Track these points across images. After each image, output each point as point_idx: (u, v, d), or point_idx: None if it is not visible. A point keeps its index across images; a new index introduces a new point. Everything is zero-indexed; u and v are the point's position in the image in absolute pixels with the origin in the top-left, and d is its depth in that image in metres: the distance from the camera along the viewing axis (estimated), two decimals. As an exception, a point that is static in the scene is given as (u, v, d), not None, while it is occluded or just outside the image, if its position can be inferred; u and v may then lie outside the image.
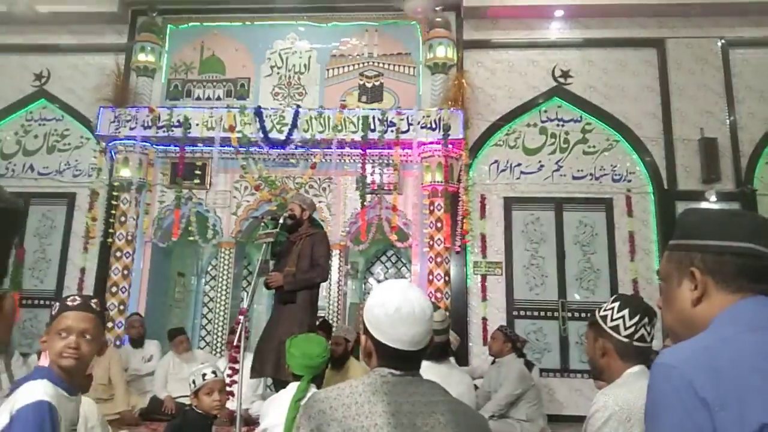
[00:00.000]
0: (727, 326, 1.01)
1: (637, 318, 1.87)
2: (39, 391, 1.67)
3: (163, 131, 6.81)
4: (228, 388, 3.81)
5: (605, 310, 1.94)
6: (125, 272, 6.70)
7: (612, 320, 1.90)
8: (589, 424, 1.82)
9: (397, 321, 1.47)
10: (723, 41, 7.10)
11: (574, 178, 6.95)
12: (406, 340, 1.48)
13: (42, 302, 7.11)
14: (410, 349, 1.49)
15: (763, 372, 0.91)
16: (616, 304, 1.92)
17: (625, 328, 1.87)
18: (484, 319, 6.60)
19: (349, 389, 1.46)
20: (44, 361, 1.85)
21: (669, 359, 0.98)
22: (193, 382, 2.92)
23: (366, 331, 1.54)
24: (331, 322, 6.23)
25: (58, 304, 1.87)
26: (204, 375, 2.92)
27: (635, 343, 1.86)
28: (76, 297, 1.88)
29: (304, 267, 4.65)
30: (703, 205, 6.44)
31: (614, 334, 1.88)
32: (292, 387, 2.85)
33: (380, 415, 1.39)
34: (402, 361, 1.49)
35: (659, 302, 1.24)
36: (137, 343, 6.08)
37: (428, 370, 2.01)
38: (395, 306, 1.48)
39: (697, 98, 6.98)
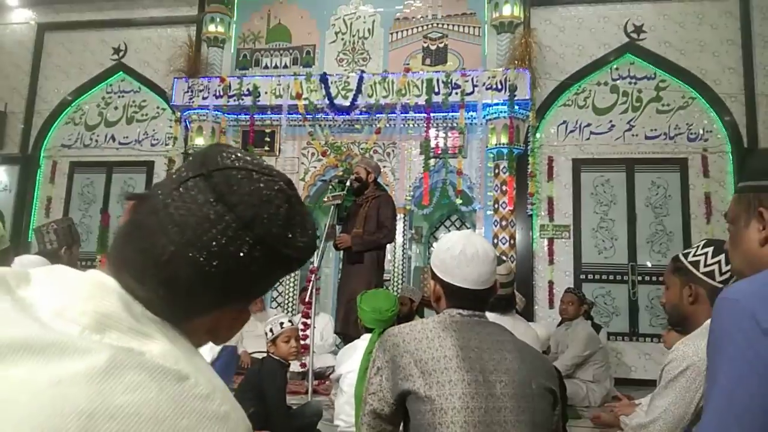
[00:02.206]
0: None
1: None
2: None
3: (234, 100, 7.02)
4: (302, 342, 4.03)
5: (695, 255, 1.86)
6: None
7: (705, 266, 1.82)
8: (665, 371, 1.79)
9: (462, 262, 1.56)
10: (815, -13, 6.59)
11: (647, 138, 6.70)
12: (472, 279, 1.56)
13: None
14: (476, 288, 1.57)
15: None
16: (710, 249, 1.84)
17: (721, 274, 1.80)
18: (551, 283, 6.56)
19: (421, 326, 1.56)
20: None
21: (732, 294, 0.99)
22: (270, 330, 3.12)
23: (434, 276, 1.63)
24: (396, 283, 6.36)
25: None
26: (282, 324, 3.12)
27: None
28: None
29: (371, 229, 4.78)
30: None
31: (708, 280, 1.81)
32: (366, 338, 2.98)
33: (449, 348, 1.47)
34: (469, 301, 1.58)
35: (726, 245, 1.24)
36: None
37: (494, 321, 2.07)
38: (460, 248, 1.58)
39: (784, 50, 6.54)
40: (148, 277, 0.65)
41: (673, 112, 6.71)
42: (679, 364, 1.72)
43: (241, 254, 0.66)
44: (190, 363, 0.60)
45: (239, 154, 0.71)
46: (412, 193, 6.82)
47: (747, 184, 1.15)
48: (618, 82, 6.87)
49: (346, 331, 4.46)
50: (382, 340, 1.57)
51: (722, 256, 1.81)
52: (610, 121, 6.80)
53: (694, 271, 1.85)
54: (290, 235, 0.69)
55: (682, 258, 1.91)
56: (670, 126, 6.68)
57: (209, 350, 1.94)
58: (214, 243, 0.64)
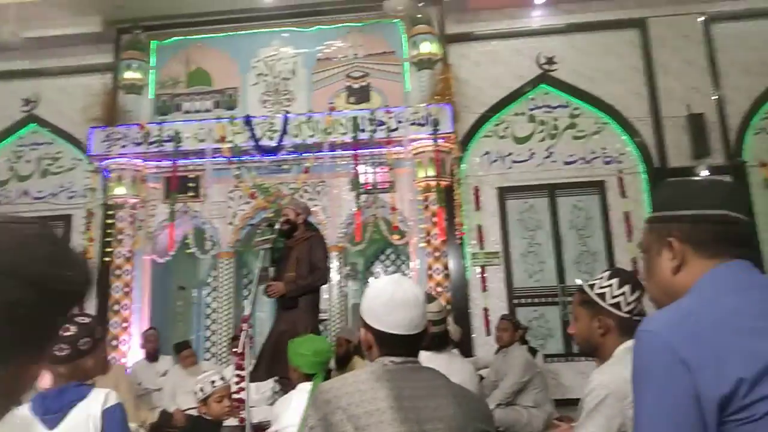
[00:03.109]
0: (705, 291, 1.05)
1: (638, 293, 1.81)
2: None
3: (155, 147, 6.84)
4: (236, 395, 3.86)
5: (601, 287, 1.85)
6: (126, 290, 6.73)
7: (612, 297, 1.82)
8: (586, 402, 1.78)
9: (392, 307, 1.54)
10: (704, 16, 7.13)
11: (566, 163, 6.99)
12: (404, 325, 1.54)
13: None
14: (408, 333, 1.55)
15: (739, 331, 0.95)
16: (615, 281, 1.84)
17: (627, 304, 1.81)
18: (486, 310, 6.64)
19: (353, 378, 1.52)
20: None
21: (650, 325, 1.02)
22: (201, 390, 2.96)
23: (365, 325, 1.60)
24: (334, 323, 6.27)
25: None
26: (213, 382, 2.96)
27: (635, 318, 1.78)
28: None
29: (303, 271, 4.70)
30: (695, 180, 6.47)
31: (616, 311, 1.81)
32: (303, 388, 2.87)
33: (383, 399, 1.44)
34: (401, 347, 1.55)
35: (642, 274, 1.28)
36: (152, 357, 6.13)
37: (429, 360, 2.05)
38: (389, 294, 1.56)
39: (682, 75, 7.01)
40: None
41: (588, 137, 7.04)
42: (599, 393, 1.73)
43: (12, 301, 0.66)
44: None
45: None
46: (344, 230, 6.81)
47: (656, 214, 1.20)
48: (535, 111, 7.17)
49: (285, 374, 4.29)
50: (313, 397, 1.52)
51: (627, 287, 1.83)
52: (530, 149, 7.05)
53: (602, 303, 1.85)
54: (61, 272, 0.72)
55: (588, 290, 1.89)
56: (587, 151, 7.00)
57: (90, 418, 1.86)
58: None
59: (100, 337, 2.12)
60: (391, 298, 1.54)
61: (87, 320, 2.08)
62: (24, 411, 1.95)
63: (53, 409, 1.89)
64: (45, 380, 2.00)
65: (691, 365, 0.93)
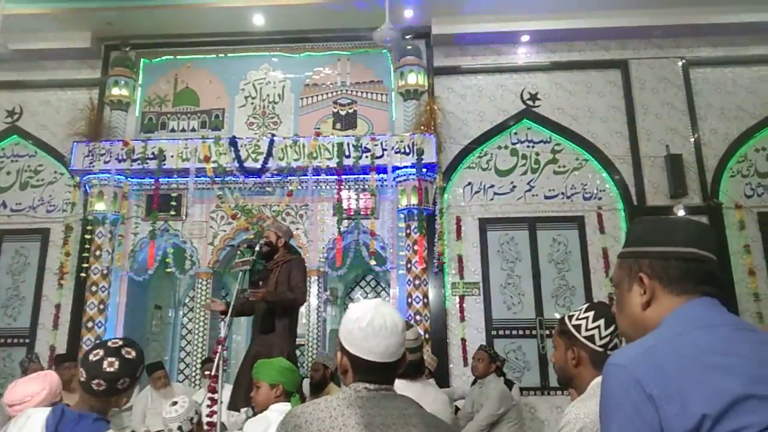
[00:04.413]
0: (673, 326, 1.07)
1: (612, 327, 1.83)
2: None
3: (138, 164, 6.82)
4: (208, 419, 3.81)
5: (578, 319, 1.89)
6: (101, 307, 6.63)
7: (587, 330, 1.85)
8: None
9: (370, 334, 1.53)
10: (683, 61, 7.36)
11: (546, 197, 7.08)
12: (380, 352, 1.53)
13: (16, 341, 6.99)
14: (384, 361, 1.54)
15: (704, 366, 0.97)
16: (591, 314, 1.87)
17: (600, 338, 1.83)
18: (464, 340, 6.63)
19: (325, 404, 1.50)
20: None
21: (618, 359, 1.04)
22: (180, 429, 2.97)
23: (342, 348, 1.59)
24: (311, 348, 6.21)
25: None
26: (192, 419, 3.00)
27: (609, 352, 1.80)
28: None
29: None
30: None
31: (589, 344, 1.84)
32: (281, 409, 2.82)
33: (353, 426, 1.43)
34: (376, 374, 1.55)
35: (614, 308, 1.30)
36: None
37: (403, 388, 2.04)
38: (368, 320, 1.54)
39: (662, 116, 7.20)
40: None
41: (569, 173, 7.16)
42: (573, 427, 1.74)
43: None
44: None
45: None
46: (325, 254, 6.79)
47: (628, 250, 1.22)
48: (517, 145, 7.28)
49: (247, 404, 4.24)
50: (284, 422, 1.50)
51: (602, 321, 1.86)
52: (512, 182, 7.15)
53: (577, 334, 1.88)
54: None
55: (567, 321, 1.93)
56: (567, 186, 7.11)
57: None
58: None
59: (138, 376, 1.99)
60: (369, 323, 1.54)
61: (132, 355, 1.95)
62: (40, 418, 1.89)
63: (65, 429, 1.84)
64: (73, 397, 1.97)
65: (657, 400, 0.94)
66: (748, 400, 0.93)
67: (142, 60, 7.69)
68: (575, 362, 1.87)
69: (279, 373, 2.93)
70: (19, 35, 6.93)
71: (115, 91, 7.30)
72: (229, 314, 4.29)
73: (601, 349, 1.83)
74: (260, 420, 2.97)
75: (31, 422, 1.90)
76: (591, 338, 1.85)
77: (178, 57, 7.69)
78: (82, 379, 1.88)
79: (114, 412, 5.70)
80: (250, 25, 7.42)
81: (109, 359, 1.88)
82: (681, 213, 6.73)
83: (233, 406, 4.49)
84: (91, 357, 1.90)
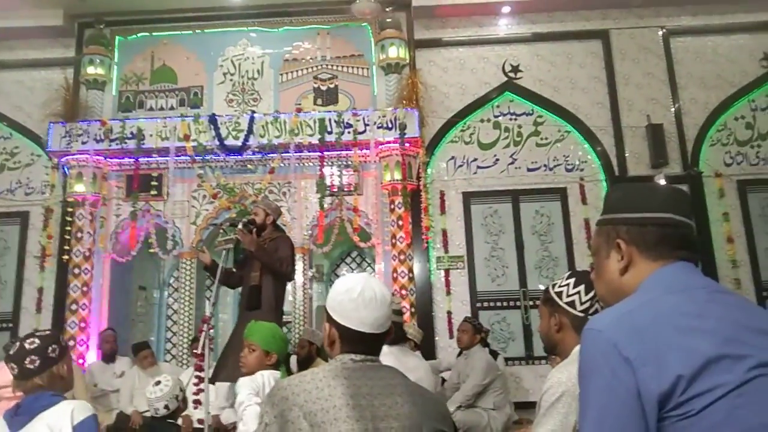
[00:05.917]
0: (649, 291, 1.09)
1: (592, 293, 1.88)
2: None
3: (117, 144, 6.71)
4: (195, 397, 3.82)
5: (560, 286, 1.95)
6: (84, 289, 6.58)
7: (568, 296, 1.91)
8: (543, 400, 1.85)
9: (361, 305, 1.55)
10: (664, 30, 7.35)
11: (529, 169, 7.10)
12: (369, 323, 1.56)
13: (-1, 325, 6.94)
14: (373, 332, 1.57)
15: (680, 329, 0.99)
16: (572, 281, 1.93)
17: (581, 303, 1.88)
18: (449, 313, 6.70)
19: (311, 375, 1.52)
20: None
21: (595, 324, 1.05)
22: (166, 407, 3.00)
23: (330, 319, 1.60)
24: (298, 325, 6.23)
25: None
26: (177, 396, 3.02)
27: (590, 317, 1.81)
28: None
29: (268, 272, 4.66)
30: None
31: (570, 309, 1.90)
32: (274, 373, 2.80)
33: (339, 397, 1.45)
34: (364, 345, 1.57)
35: (592, 275, 1.32)
36: (109, 358, 6.02)
37: (386, 352, 2.06)
38: (358, 291, 1.57)
39: (642, 86, 7.22)
40: None
41: (551, 145, 7.18)
42: (556, 391, 1.79)
43: None
44: None
45: None
46: (310, 232, 6.78)
47: (605, 217, 1.24)
48: (499, 118, 7.27)
49: (233, 380, 4.24)
50: (270, 394, 1.51)
51: (582, 287, 1.91)
52: (495, 156, 7.15)
53: (558, 301, 1.94)
54: None
55: (550, 289, 1.99)
56: (549, 158, 7.13)
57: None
58: None
59: (65, 345, 2.13)
60: (360, 294, 1.56)
61: (48, 332, 2.13)
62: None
63: (23, 413, 1.93)
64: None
65: (633, 363, 0.96)
66: (721, 359, 0.94)
67: (117, 37, 7.51)
68: (557, 328, 1.93)
69: (275, 342, 2.91)
70: (-12, 13, 6.75)
71: (91, 69, 7.14)
72: (217, 279, 4.31)
73: (581, 314, 1.88)
74: (255, 379, 2.91)
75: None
76: (572, 304, 1.90)
77: (153, 34, 7.53)
78: (16, 372, 2.01)
79: (102, 394, 5.71)
80: (226, 0, 7.27)
81: (27, 341, 2.05)
82: (662, 182, 6.79)
83: (216, 379, 4.49)
84: (11, 352, 2.06)
